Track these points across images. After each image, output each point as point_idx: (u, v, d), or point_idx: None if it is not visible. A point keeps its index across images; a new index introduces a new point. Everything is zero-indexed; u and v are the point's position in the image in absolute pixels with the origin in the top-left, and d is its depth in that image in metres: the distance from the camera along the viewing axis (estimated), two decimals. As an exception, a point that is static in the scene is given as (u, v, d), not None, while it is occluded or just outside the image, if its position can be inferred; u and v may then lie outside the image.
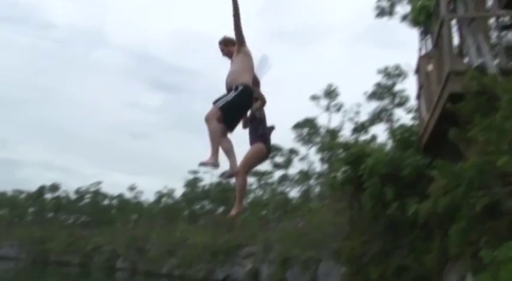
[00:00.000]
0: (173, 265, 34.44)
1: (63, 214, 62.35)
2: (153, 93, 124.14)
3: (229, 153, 5.09)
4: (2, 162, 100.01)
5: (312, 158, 43.74)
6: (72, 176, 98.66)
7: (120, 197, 59.72)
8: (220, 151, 4.99)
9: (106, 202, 60.56)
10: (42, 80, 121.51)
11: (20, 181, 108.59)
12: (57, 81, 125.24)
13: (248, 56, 5.14)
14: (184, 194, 51.66)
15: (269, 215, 39.88)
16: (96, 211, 58.46)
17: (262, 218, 38.75)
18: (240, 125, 5.29)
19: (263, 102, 5.39)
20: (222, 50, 5.38)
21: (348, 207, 14.85)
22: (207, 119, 4.82)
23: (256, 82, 5.40)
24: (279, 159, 45.41)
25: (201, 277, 30.58)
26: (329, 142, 39.14)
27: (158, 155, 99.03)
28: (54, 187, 63.54)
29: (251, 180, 48.30)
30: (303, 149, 44.29)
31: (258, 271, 28.30)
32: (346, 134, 40.50)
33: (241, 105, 5.01)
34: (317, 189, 42.37)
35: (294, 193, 45.34)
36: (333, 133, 41.36)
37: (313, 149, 43.10)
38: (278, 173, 46.45)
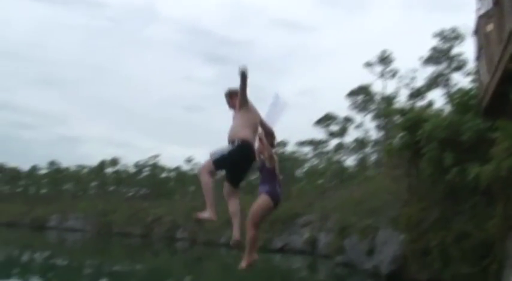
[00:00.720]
0: (231, 235, 34.92)
1: (123, 187, 64.19)
2: (206, 66, 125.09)
3: (234, 217, 5.24)
4: (65, 139, 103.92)
5: (367, 126, 43.34)
6: (131, 150, 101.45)
7: (177, 169, 60.78)
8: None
9: (164, 174, 61.85)
10: (98, 58, 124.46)
11: (81, 156, 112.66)
12: (113, 59, 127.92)
13: (250, 111, 5.09)
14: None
15: (326, 183, 39.88)
16: (155, 183, 59.94)
17: (319, 187, 38.78)
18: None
19: (270, 155, 5.26)
20: (228, 103, 5.34)
21: (406, 174, 14.66)
22: (200, 173, 4.93)
23: (269, 132, 5.30)
24: (334, 127, 45.14)
25: (259, 246, 30.86)
26: (385, 108, 38.46)
27: (213, 127, 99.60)
28: (114, 161, 65.38)
29: (306, 149, 48.37)
30: (358, 117, 43.89)
31: (315, 239, 28.42)
32: (401, 100, 39.79)
33: (237, 160, 4.98)
34: (373, 157, 41.97)
35: (350, 161, 45.17)
36: (389, 100, 40.60)
37: (369, 117, 42.62)
38: (334, 142, 46.31)
